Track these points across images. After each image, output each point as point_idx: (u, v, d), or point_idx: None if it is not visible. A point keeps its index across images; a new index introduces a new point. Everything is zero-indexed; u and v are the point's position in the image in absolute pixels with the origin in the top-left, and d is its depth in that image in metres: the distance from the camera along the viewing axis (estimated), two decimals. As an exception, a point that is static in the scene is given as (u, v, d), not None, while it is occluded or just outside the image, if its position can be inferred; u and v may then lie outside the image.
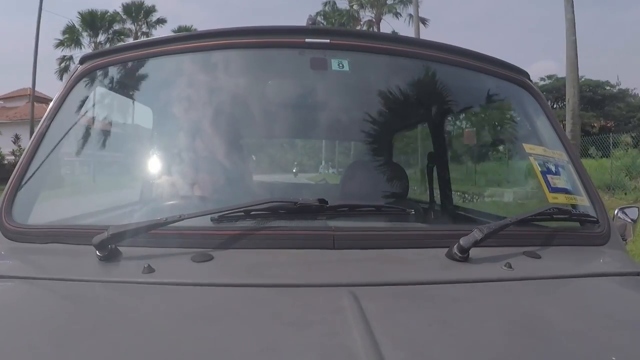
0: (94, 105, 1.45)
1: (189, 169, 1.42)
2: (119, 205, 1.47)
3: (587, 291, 0.97)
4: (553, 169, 1.32)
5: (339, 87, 1.46)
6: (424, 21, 28.99)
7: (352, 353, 0.61)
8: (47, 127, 1.26)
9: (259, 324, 0.71)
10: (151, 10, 31.23)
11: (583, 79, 32.92)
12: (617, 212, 1.42)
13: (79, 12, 29.19)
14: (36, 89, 22.57)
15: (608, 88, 38.09)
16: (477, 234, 0.98)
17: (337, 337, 0.66)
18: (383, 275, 0.94)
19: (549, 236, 1.16)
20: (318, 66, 1.36)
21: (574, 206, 1.29)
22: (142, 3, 30.85)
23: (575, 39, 12.73)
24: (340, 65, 1.34)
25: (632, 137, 15.44)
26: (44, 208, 1.23)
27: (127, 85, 1.53)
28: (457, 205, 2.25)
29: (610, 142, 14.48)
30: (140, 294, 0.86)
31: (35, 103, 22.25)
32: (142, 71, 1.43)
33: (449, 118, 2.36)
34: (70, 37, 28.99)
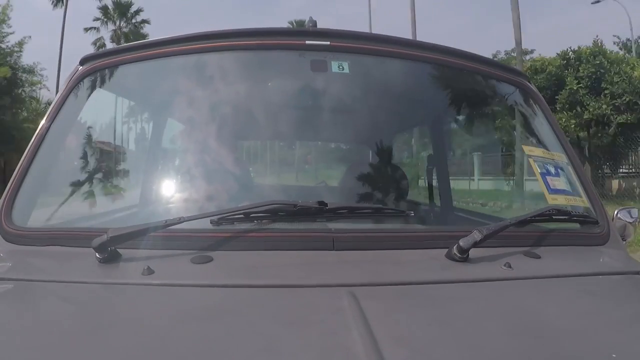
0: (94, 106, 1.45)
1: (188, 171, 1.42)
2: (118, 207, 1.47)
3: (586, 291, 0.97)
4: (552, 170, 1.32)
5: (339, 88, 1.47)
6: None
7: (352, 353, 0.61)
8: (47, 128, 1.26)
9: (258, 325, 0.71)
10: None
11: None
12: (617, 212, 1.43)
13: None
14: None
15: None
16: (476, 235, 0.98)
17: (337, 338, 0.66)
18: (383, 276, 0.94)
19: (549, 237, 1.16)
20: (318, 68, 1.36)
21: (573, 207, 1.29)
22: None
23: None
24: (341, 67, 1.34)
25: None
26: (43, 211, 1.23)
27: (127, 87, 1.53)
28: (456, 207, 2.25)
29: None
30: (140, 295, 0.86)
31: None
32: (142, 73, 1.43)
33: (449, 120, 2.36)
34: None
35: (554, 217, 1.18)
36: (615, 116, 13.43)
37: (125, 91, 1.55)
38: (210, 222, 1.04)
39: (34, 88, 21.89)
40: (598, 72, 13.55)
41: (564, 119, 13.29)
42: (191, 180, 1.37)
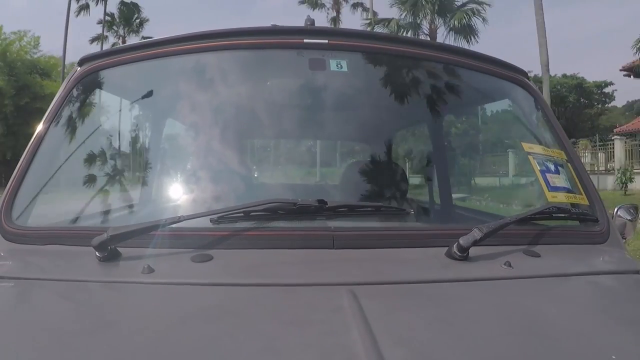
0: (93, 106, 1.45)
1: (187, 169, 1.42)
2: (118, 206, 1.46)
3: (586, 289, 0.97)
4: (552, 167, 1.32)
5: (338, 87, 1.46)
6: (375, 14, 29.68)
7: (352, 352, 0.61)
8: (47, 129, 1.26)
9: (258, 324, 0.71)
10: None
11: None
12: (617, 210, 1.42)
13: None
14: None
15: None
16: (476, 233, 0.98)
17: (337, 336, 0.66)
18: (382, 275, 0.94)
19: (549, 235, 1.16)
20: (316, 67, 1.36)
21: (573, 205, 1.29)
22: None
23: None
24: (339, 65, 1.34)
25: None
26: (43, 210, 1.23)
27: (126, 87, 1.53)
28: (456, 205, 2.25)
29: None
30: (140, 294, 0.86)
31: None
32: (140, 73, 1.43)
33: (448, 118, 2.35)
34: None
35: (553, 214, 1.18)
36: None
37: (124, 91, 1.55)
38: (210, 221, 1.04)
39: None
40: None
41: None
42: (191, 179, 1.37)
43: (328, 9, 31.06)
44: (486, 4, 22.74)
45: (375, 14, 28.39)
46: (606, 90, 35.02)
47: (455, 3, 23.19)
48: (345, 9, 32.04)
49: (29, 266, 1.04)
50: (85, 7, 32.33)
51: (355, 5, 31.48)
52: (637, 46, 13.32)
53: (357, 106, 1.65)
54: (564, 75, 34.72)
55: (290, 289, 0.86)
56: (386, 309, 0.78)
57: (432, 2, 21.93)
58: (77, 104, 1.35)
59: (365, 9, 30.36)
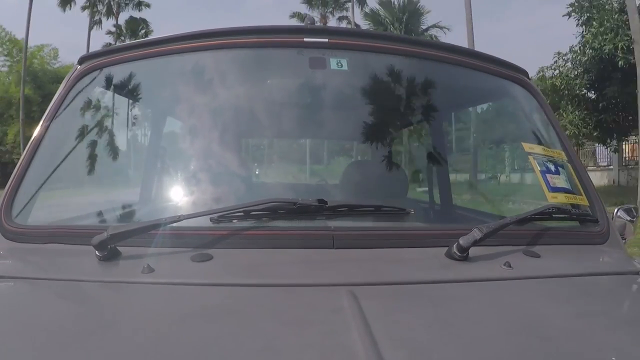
0: (93, 105, 1.45)
1: (187, 168, 1.42)
2: (118, 205, 1.46)
3: (586, 290, 0.97)
4: (552, 168, 1.32)
5: (338, 86, 1.46)
6: (357, 26, 31.56)
7: (352, 352, 0.61)
8: (47, 127, 1.26)
9: (258, 324, 0.72)
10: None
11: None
12: (617, 211, 1.42)
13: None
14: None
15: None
16: (476, 234, 0.98)
17: (337, 337, 0.66)
18: (382, 275, 0.94)
19: (549, 235, 1.16)
20: (317, 65, 1.36)
21: (573, 205, 1.29)
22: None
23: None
24: (339, 64, 1.34)
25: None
26: (43, 208, 1.23)
27: (126, 86, 1.52)
28: (456, 205, 2.25)
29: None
30: (140, 293, 0.86)
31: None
32: (140, 71, 1.42)
33: (448, 117, 2.35)
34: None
35: (553, 215, 1.18)
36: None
37: (123, 90, 1.55)
38: (210, 220, 1.04)
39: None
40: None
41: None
42: (191, 178, 1.37)
43: (317, 21, 33.08)
44: (446, 28, 28.86)
45: (357, 25, 31.99)
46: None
47: (422, 26, 28.76)
48: (332, 22, 35.07)
49: (29, 265, 1.04)
50: (98, 22, 35.86)
51: (340, 19, 34.99)
52: (539, 76, 13.70)
53: (358, 105, 1.65)
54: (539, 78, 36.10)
55: (290, 289, 0.86)
56: (386, 310, 0.78)
57: (399, 28, 27.56)
58: (77, 103, 1.35)
59: (349, 22, 33.28)
